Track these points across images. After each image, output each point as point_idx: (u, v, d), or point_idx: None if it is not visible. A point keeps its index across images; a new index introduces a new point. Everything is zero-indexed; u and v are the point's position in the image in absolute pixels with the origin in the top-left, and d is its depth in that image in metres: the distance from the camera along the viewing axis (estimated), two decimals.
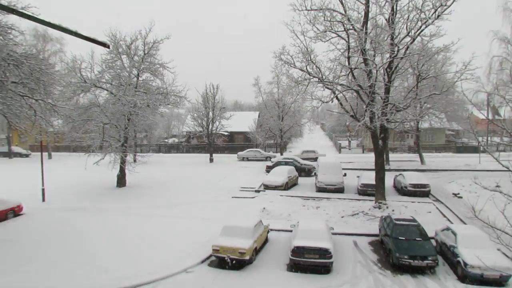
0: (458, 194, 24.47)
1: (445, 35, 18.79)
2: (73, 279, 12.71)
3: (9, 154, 48.60)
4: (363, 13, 19.26)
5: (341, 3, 19.00)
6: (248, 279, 12.88)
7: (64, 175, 32.90)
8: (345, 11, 19.00)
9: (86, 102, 27.75)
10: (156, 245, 15.76)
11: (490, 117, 43.35)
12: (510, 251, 7.97)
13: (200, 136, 46.07)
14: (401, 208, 21.24)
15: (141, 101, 25.30)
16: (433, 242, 15.43)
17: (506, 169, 6.86)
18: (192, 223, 18.88)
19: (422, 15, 18.17)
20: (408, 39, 19.23)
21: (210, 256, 14.43)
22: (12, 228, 18.33)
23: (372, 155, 25.60)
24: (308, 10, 19.18)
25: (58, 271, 13.35)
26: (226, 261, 13.65)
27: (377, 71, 19.98)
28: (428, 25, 18.31)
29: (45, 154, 42.53)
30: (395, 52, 19.05)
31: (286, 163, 32.41)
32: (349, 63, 20.19)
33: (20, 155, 49.50)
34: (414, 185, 24.23)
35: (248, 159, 44.13)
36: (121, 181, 28.03)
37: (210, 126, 42.71)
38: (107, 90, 26.48)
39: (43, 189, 23.60)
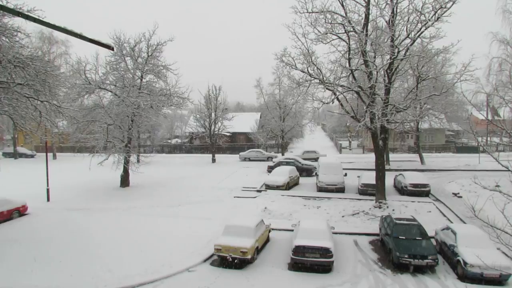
0: (458, 193, 24.59)
1: (444, 37, 19.02)
2: (77, 278, 12.91)
3: (15, 155, 49.05)
4: (363, 15, 19.49)
5: (342, 5, 19.23)
6: (250, 278, 13.05)
7: (68, 176, 33.22)
8: (346, 14, 19.22)
9: (90, 103, 28.09)
10: (159, 244, 15.96)
11: (490, 117, 43.33)
12: (509, 250, 8.07)
13: (203, 136, 46.33)
14: (401, 208, 21.42)
15: (145, 103, 25.61)
16: (433, 241, 15.55)
17: (505, 169, 6.92)
18: (195, 222, 19.08)
19: (422, 17, 18.36)
20: (408, 41, 19.43)
21: (212, 255, 14.61)
22: (17, 228, 18.58)
23: (372, 155, 25.78)
24: (309, 13, 19.41)
25: (63, 270, 13.56)
26: (228, 260, 13.80)
27: (377, 72, 20.17)
28: (428, 27, 18.50)
29: (50, 154, 42.77)
30: (395, 54, 19.22)
31: (288, 163, 32.56)
32: (349, 65, 20.40)
33: (26, 155, 49.96)
34: (414, 185, 24.37)
35: (250, 160, 44.33)
36: (124, 181, 28.30)
37: (213, 127, 42.97)
38: (111, 92, 26.78)
39: (47, 189, 23.90)
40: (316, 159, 38.37)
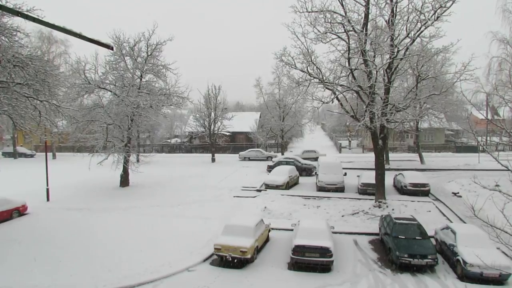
0: (458, 193, 24.61)
1: (444, 36, 19.00)
2: (77, 278, 12.91)
3: (14, 155, 49.03)
4: (363, 14, 19.48)
5: (342, 5, 19.21)
6: (250, 278, 13.06)
7: (68, 175, 33.21)
8: (346, 13, 19.20)
9: (90, 103, 28.11)
10: (159, 244, 15.98)
11: (489, 117, 43.38)
12: (509, 250, 8.06)
13: (202, 136, 46.33)
14: (401, 207, 21.43)
15: (144, 102, 25.58)
16: (433, 241, 15.56)
17: (505, 168, 6.91)
18: (194, 222, 19.09)
19: (422, 17, 18.33)
20: (407, 40, 19.41)
21: (212, 254, 14.62)
22: (17, 227, 18.59)
23: (372, 155, 25.78)
24: (309, 12, 19.38)
25: (62, 269, 13.57)
26: (228, 260, 13.82)
27: (377, 72, 20.16)
28: (428, 26, 18.48)
29: (50, 154, 42.76)
30: (395, 53, 19.20)
31: (287, 163, 32.58)
32: (349, 64, 20.39)
33: (25, 155, 49.94)
34: (414, 185, 24.39)
35: (249, 159, 44.34)
36: (124, 180, 28.31)
37: (212, 127, 42.95)
38: (111, 91, 26.78)
39: (47, 189, 23.90)
40: (315, 159, 38.37)
